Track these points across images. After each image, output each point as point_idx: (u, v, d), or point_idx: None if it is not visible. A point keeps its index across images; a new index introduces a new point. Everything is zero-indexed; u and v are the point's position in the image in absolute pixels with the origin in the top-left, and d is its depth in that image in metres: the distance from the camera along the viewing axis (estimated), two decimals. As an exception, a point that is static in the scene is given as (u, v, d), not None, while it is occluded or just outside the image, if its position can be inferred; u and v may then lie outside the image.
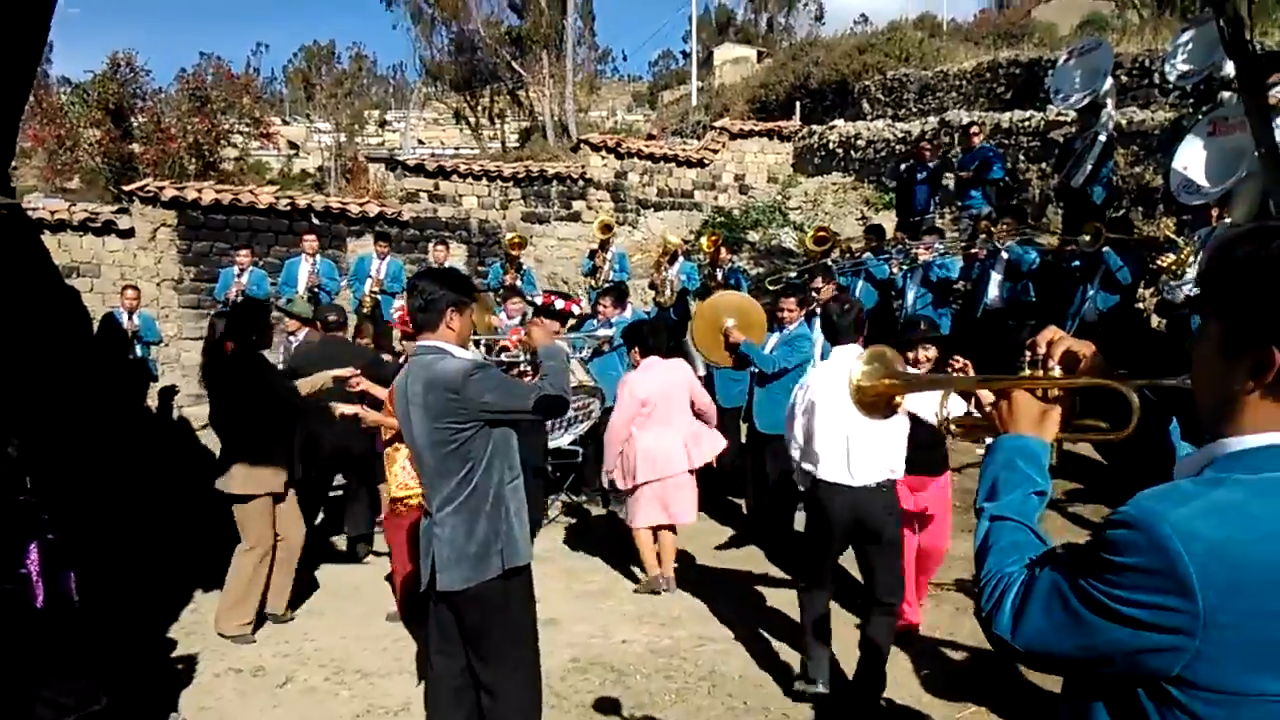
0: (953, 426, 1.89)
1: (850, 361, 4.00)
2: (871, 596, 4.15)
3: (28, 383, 4.46)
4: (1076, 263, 7.87)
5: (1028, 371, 1.63)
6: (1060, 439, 1.61)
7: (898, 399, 1.96)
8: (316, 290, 10.49)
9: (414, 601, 4.99)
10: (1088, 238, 7.54)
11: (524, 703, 3.38)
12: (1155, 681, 1.21)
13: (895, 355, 1.95)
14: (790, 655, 4.72)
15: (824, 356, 6.54)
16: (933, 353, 4.59)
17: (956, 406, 2.37)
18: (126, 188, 12.35)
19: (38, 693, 2.97)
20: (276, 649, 4.98)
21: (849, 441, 4.00)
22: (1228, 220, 6.84)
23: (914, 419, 4.05)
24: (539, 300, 5.49)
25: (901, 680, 4.40)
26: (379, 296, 10.56)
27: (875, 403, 1.93)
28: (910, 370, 1.89)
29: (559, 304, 5.17)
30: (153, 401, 9.62)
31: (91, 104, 17.79)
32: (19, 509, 3.21)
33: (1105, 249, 7.49)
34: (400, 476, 4.66)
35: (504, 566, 3.25)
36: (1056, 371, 1.60)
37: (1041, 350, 1.61)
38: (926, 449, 4.47)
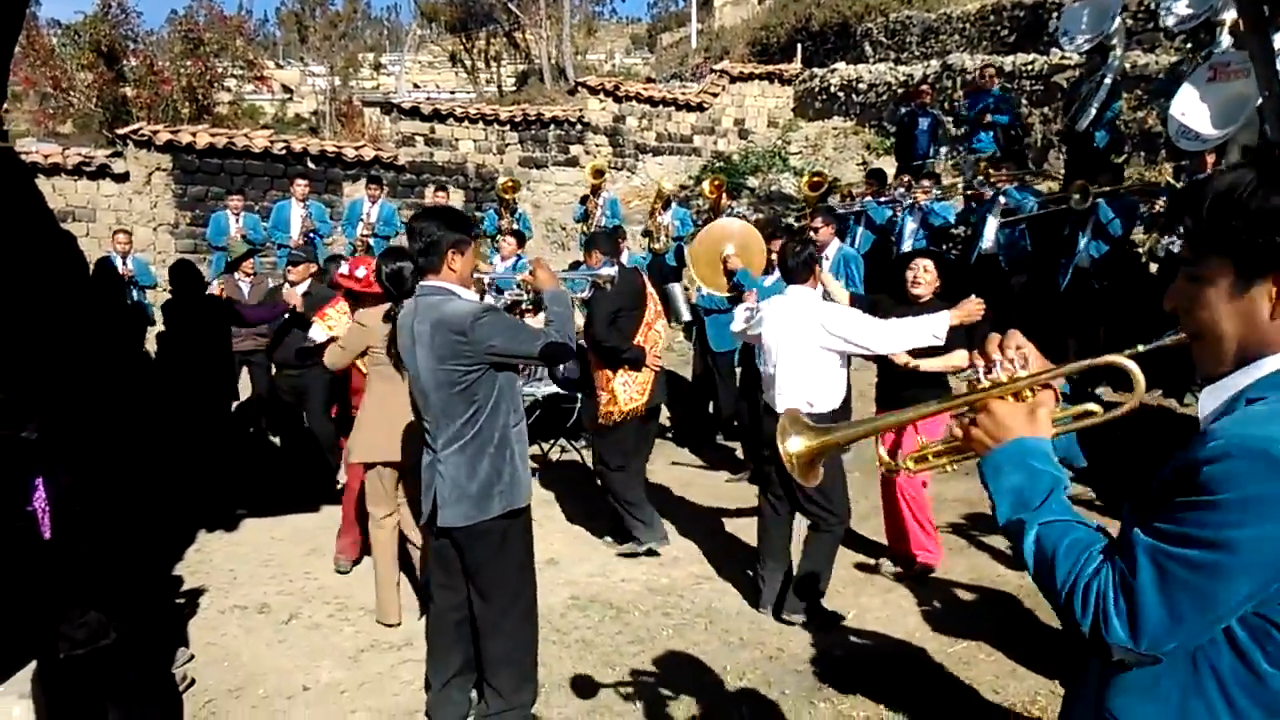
0: (926, 460, 1.74)
1: (797, 306, 4.28)
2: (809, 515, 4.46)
3: (30, 327, 4.48)
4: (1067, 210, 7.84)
5: (986, 382, 1.54)
6: (1062, 432, 1.53)
7: (826, 456, 1.86)
8: (310, 234, 10.45)
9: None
10: (1077, 196, 7.51)
11: (519, 638, 3.45)
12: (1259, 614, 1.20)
13: (800, 415, 1.84)
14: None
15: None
16: (929, 264, 4.63)
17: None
18: (120, 131, 12.23)
19: (50, 626, 3.03)
20: (281, 587, 5.07)
21: (785, 373, 4.31)
22: (1223, 167, 6.79)
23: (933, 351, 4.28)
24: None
25: (895, 618, 4.49)
26: (371, 240, 10.52)
27: (811, 467, 1.82)
28: (824, 427, 1.74)
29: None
30: (151, 346, 9.64)
31: (83, 46, 17.56)
32: (24, 447, 3.25)
33: (1100, 201, 7.47)
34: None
35: (505, 507, 3.30)
36: (1033, 366, 1.52)
37: (997, 356, 1.53)
38: (923, 388, 4.48)
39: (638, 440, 5.48)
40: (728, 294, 6.54)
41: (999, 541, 5.30)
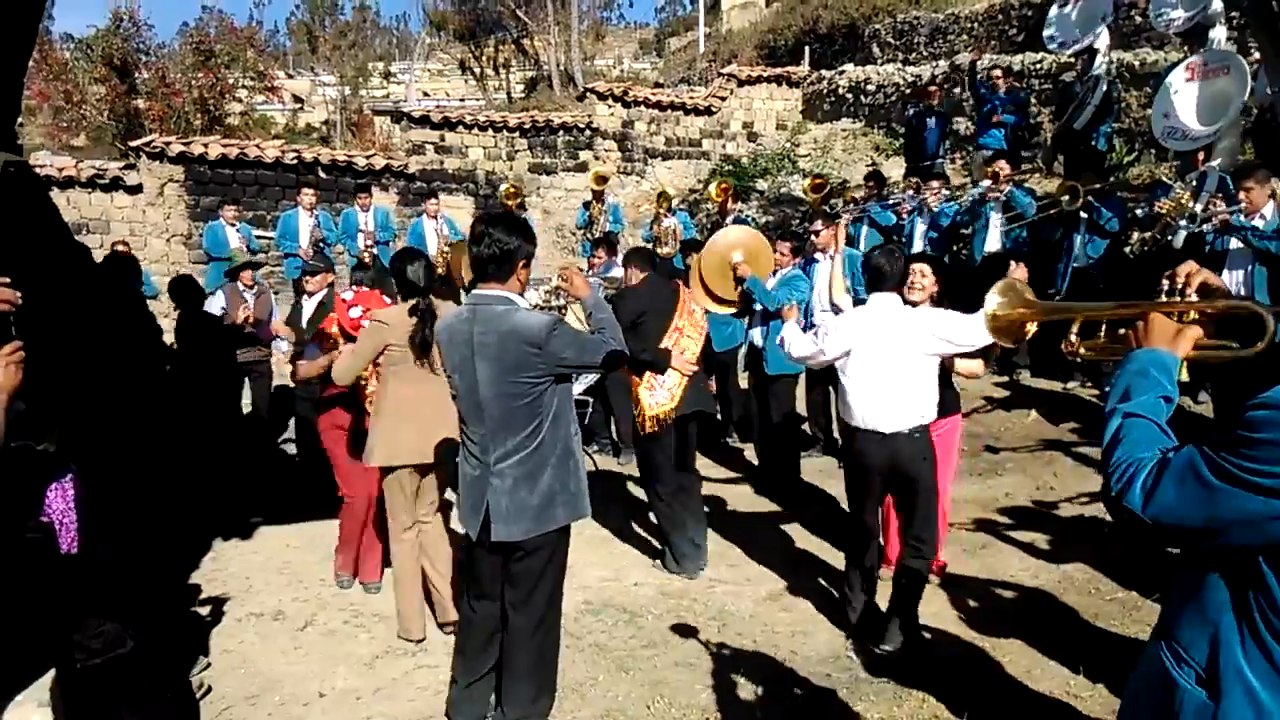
0: (1082, 349, 2.06)
1: (888, 310, 4.10)
2: (906, 542, 4.19)
3: (48, 340, 4.52)
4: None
5: (1164, 299, 1.82)
6: (1191, 357, 1.78)
7: (1029, 326, 2.17)
8: (320, 244, 10.47)
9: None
10: (1067, 198, 7.51)
11: (545, 649, 3.45)
12: (1277, 548, 1.39)
13: (1025, 286, 2.14)
14: (797, 595, 4.81)
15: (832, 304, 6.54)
16: (928, 269, 4.40)
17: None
18: (133, 144, 12.35)
19: (67, 636, 3.06)
20: (296, 594, 5.09)
21: (883, 389, 4.01)
22: (1214, 164, 6.80)
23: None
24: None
25: (908, 619, 4.48)
26: (375, 249, 10.52)
27: (1007, 329, 2.15)
28: (1033, 299, 2.14)
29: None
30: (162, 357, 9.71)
31: (95, 60, 17.70)
32: (39, 459, 3.27)
33: (1091, 200, 7.47)
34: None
35: (569, 518, 3.29)
36: (1194, 298, 1.79)
37: (1180, 280, 1.81)
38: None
39: (680, 453, 5.22)
40: (736, 305, 6.49)
41: (1015, 540, 5.30)
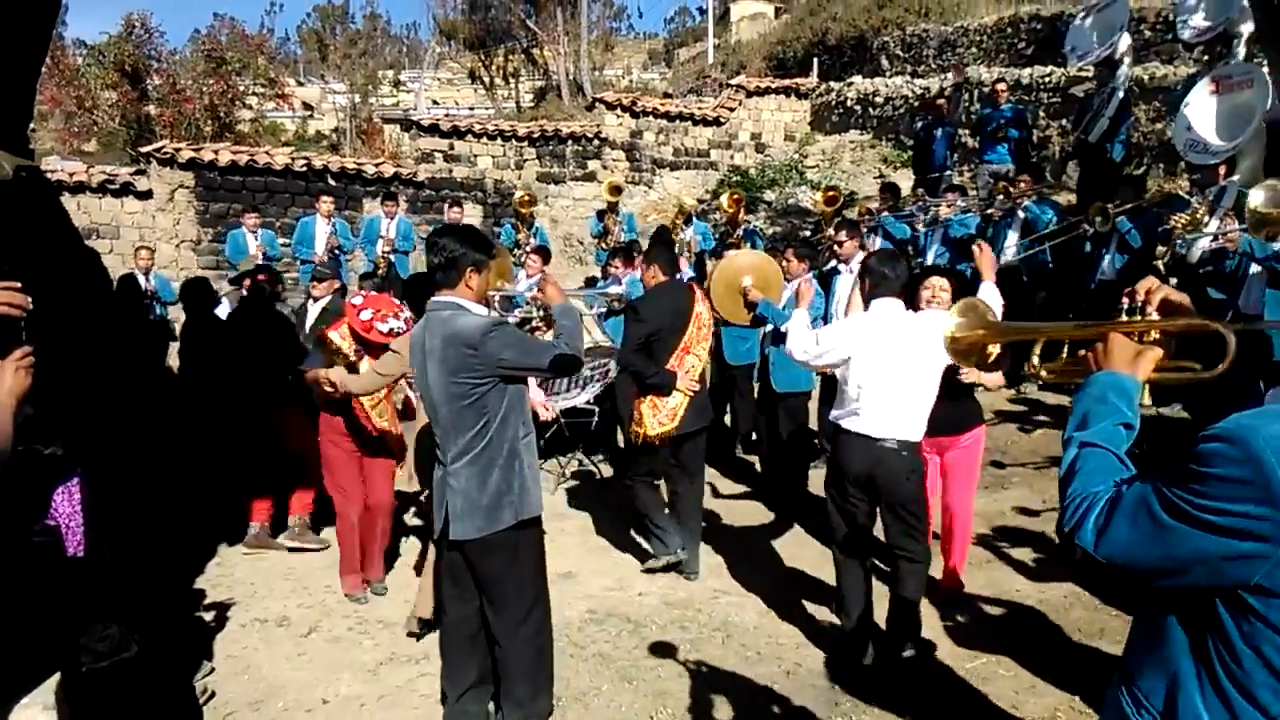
0: (1043, 372, 2.00)
1: (890, 317, 4.01)
2: (892, 553, 4.12)
3: (57, 344, 4.54)
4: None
5: (1125, 318, 1.77)
6: (1152, 380, 1.71)
7: (991, 348, 2.07)
8: (335, 251, 10.53)
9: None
10: (1099, 219, 7.47)
11: (534, 648, 3.48)
12: (1234, 591, 1.30)
13: (988, 307, 2.05)
14: (801, 608, 4.80)
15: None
16: (944, 283, 4.39)
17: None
18: (143, 149, 12.40)
19: (73, 639, 3.07)
20: (301, 600, 5.10)
21: (881, 396, 3.91)
22: (1235, 179, 6.78)
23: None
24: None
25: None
26: (392, 256, 10.59)
27: (968, 351, 2.05)
28: (999, 320, 2.01)
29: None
30: (174, 361, 9.74)
31: (107, 66, 17.80)
32: (46, 463, 3.29)
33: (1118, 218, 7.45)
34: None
35: (516, 518, 3.34)
36: (1154, 316, 1.73)
37: (1140, 297, 1.75)
38: (953, 402, 4.34)
39: (674, 466, 5.31)
40: (749, 326, 6.52)
41: (1019, 556, 5.27)
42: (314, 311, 6.84)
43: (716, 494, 6.95)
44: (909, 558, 4.07)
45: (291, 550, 5.79)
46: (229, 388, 6.14)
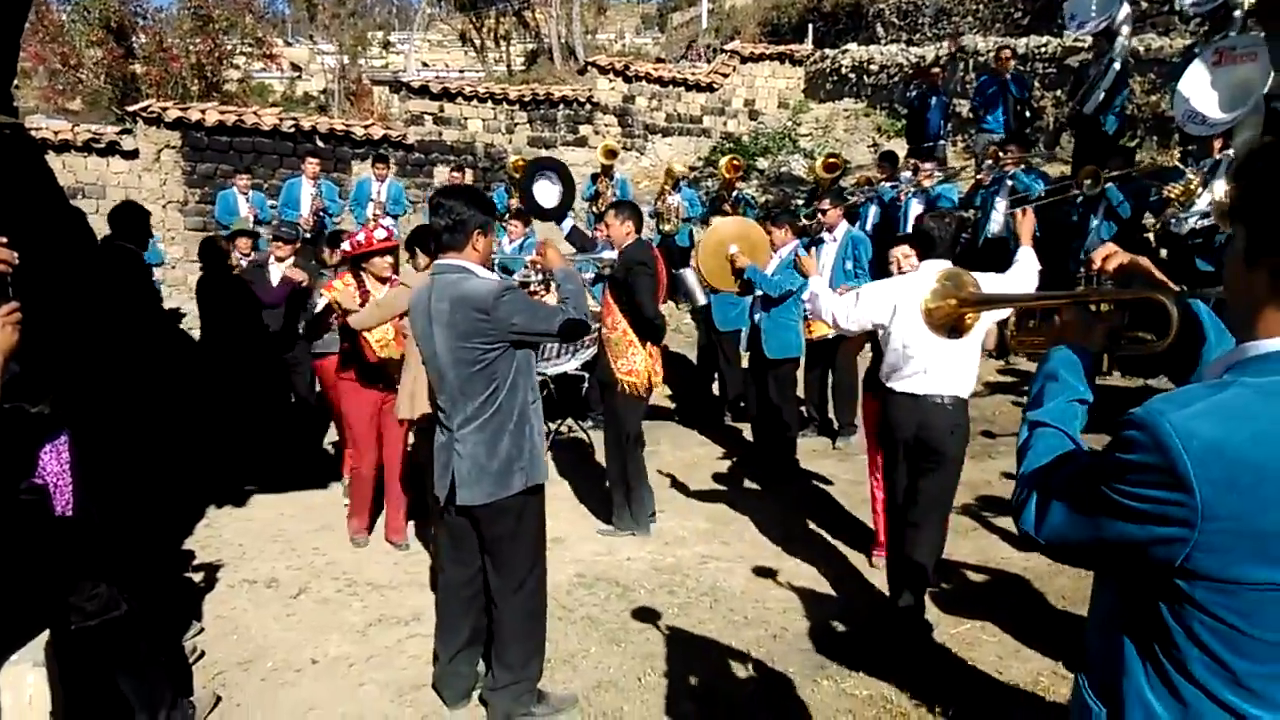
0: (1014, 344, 1.99)
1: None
2: (913, 514, 4.03)
3: (43, 304, 4.50)
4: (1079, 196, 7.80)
5: (1082, 287, 1.71)
6: (1108, 350, 1.71)
7: (968, 318, 2.05)
8: (320, 213, 10.44)
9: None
10: (1089, 181, 7.47)
11: (530, 612, 3.49)
12: (1163, 573, 1.30)
13: (970, 279, 2.02)
14: (788, 573, 4.84)
15: (835, 281, 6.53)
16: (907, 249, 4.42)
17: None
18: (129, 108, 12.25)
19: (62, 597, 3.07)
20: (290, 562, 5.11)
21: (924, 355, 3.90)
22: (1230, 152, 6.77)
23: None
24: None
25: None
26: (384, 220, 10.50)
27: (944, 323, 2.03)
28: (976, 290, 1.99)
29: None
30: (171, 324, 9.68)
31: (92, 23, 17.53)
32: (33, 421, 3.27)
33: (1108, 184, 7.44)
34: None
35: (526, 483, 3.33)
36: (1108, 285, 1.70)
37: (1096, 265, 1.72)
38: None
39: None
40: (738, 293, 6.55)
41: (1005, 524, 5.32)
42: (276, 272, 6.73)
43: (706, 461, 6.98)
44: (929, 521, 4.02)
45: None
46: (249, 341, 6.21)
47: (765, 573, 4.87)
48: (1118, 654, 1.42)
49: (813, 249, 7.12)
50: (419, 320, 3.36)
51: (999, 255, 8.22)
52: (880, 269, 4.46)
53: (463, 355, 3.21)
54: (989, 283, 3.92)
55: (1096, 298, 1.70)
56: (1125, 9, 8.40)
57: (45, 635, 2.94)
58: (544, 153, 14.05)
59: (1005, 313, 3.95)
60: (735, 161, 10.10)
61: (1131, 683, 1.40)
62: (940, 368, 3.92)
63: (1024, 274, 4.11)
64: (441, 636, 3.64)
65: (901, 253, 4.47)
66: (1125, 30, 8.52)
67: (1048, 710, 3.49)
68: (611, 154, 10.96)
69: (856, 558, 5.04)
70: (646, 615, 4.37)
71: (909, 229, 8.48)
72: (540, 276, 6.53)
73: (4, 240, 2.52)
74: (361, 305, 5.03)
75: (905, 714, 3.52)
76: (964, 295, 1.99)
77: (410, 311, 3.47)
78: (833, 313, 4.18)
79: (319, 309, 5.65)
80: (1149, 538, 1.28)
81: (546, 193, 5.39)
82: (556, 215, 5.42)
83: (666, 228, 10.27)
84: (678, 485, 6.26)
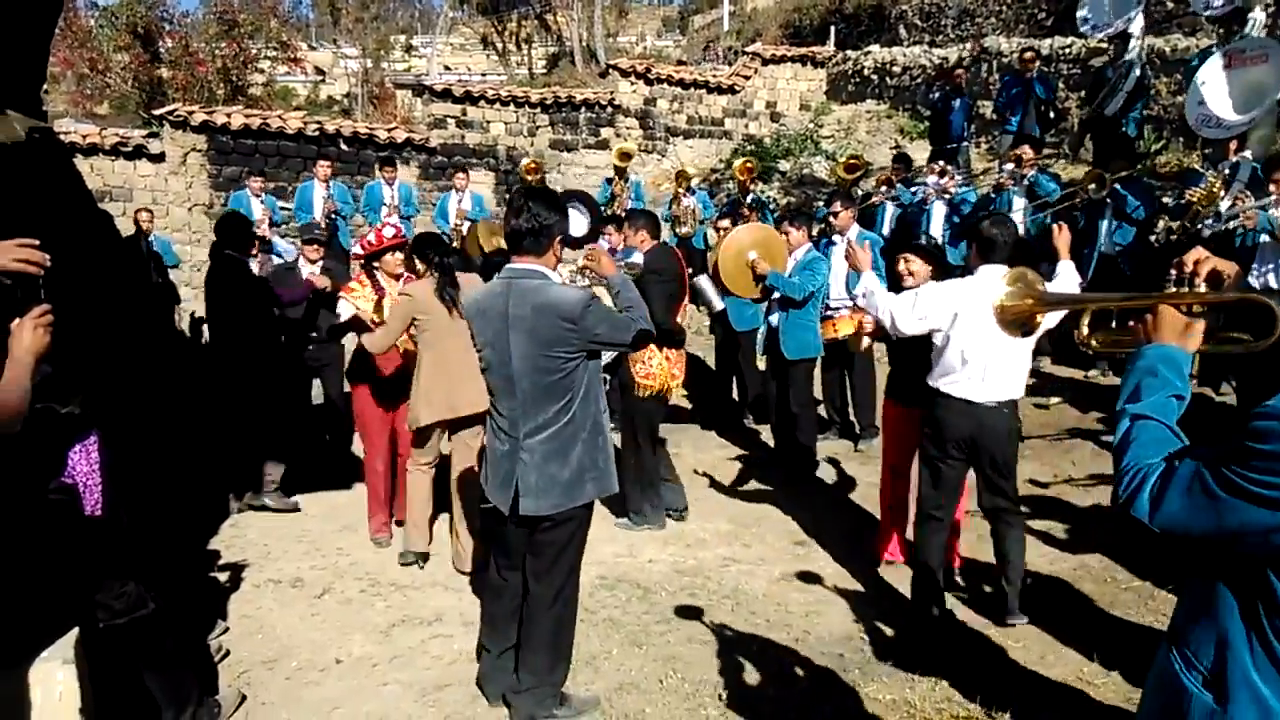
0: (1093, 343, 2.02)
1: (996, 282, 3.95)
2: (993, 515, 4.17)
3: (73, 305, 4.55)
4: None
5: (1173, 289, 1.78)
6: (1203, 350, 1.75)
7: (1038, 318, 2.12)
8: (332, 216, 10.47)
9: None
10: (1094, 185, 7.42)
11: (563, 619, 3.48)
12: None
13: (1036, 277, 2.09)
14: (810, 576, 4.82)
15: (850, 284, 6.50)
16: (917, 265, 4.41)
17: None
18: (156, 112, 12.40)
19: (90, 596, 3.10)
20: (314, 562, 5.15)
21: (981, 360, 3.90)
22: (1246, 154, 6.71)
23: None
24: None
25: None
26: (398, 223, 10.51)
27: (1015, 320, 2.12)
28: (1048, 290, 2.07)
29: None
30: (184, 326, 9.78)
31: (120, 28, 17.76)
32: (62, 421, 3.31)
33: (1117, 187, 7.38)
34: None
35: (597, 493, 3.30)
36: (1202, 288, 1.74)
37: (1189, 269, 1.76)
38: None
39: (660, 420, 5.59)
40: (759, 299, 6.59)
41: (1029, 529, 5.27)
42: (306, 271, 6.77)
43: (726, 463, 6.97)
44: (1008, 520, 4.13)
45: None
46: (260, 339, 6.25)
47: (787, 576, 4.86)
48: (1219, 632, 1.49)
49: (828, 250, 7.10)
50: (488, 325, 3.24)
51: (1022, 258, 8.16)
52: (891, 274, 4.44)
53: (544, 364, 3.14)
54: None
55: (1193, 299, 1.74)
56: (1138, 13, 8.36)
57: (74, 633, 2.97)
58: (566, 155, 14.12)
59: (1061, 314, 3.98)
60: (748, 164, 10.13)
61: (1236, 660, 1.46)
62: (997, 371, 3.93)
63: (1066, 288, 4.10)
64: (490, 635, 3.61)
65: (912, 261, 4.45)
66: (1137, 33, 8.48)
67: (1092, 709, 3.46)
68: (625, 156, 10.99)
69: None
70: (668, 617, 4.37)
71: (930, 232, 8.46)
72: (587, 283, 6.49)
73: (35, 243, 2.56)
74: (378, 303, 5.09)
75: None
76: (1037, 295, 2.07)
77: (473, 316, 3.35)
78: (890, 312, 4.11)
79: (344, 318, 5.66)
80: (1274, 524, 1.36)
81: (577, 223, 5.79)
82: (585, 243, 5.75)
83: (684, 230, 10.27)
84: (698, 487, 6.24)
